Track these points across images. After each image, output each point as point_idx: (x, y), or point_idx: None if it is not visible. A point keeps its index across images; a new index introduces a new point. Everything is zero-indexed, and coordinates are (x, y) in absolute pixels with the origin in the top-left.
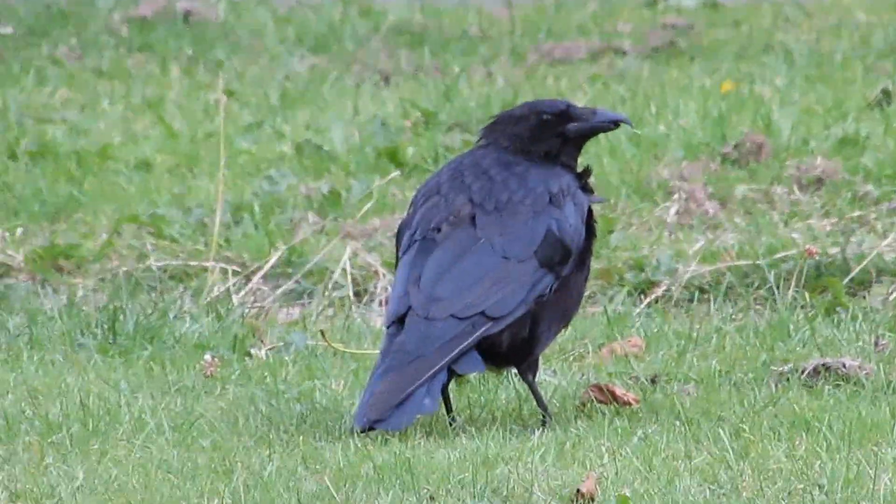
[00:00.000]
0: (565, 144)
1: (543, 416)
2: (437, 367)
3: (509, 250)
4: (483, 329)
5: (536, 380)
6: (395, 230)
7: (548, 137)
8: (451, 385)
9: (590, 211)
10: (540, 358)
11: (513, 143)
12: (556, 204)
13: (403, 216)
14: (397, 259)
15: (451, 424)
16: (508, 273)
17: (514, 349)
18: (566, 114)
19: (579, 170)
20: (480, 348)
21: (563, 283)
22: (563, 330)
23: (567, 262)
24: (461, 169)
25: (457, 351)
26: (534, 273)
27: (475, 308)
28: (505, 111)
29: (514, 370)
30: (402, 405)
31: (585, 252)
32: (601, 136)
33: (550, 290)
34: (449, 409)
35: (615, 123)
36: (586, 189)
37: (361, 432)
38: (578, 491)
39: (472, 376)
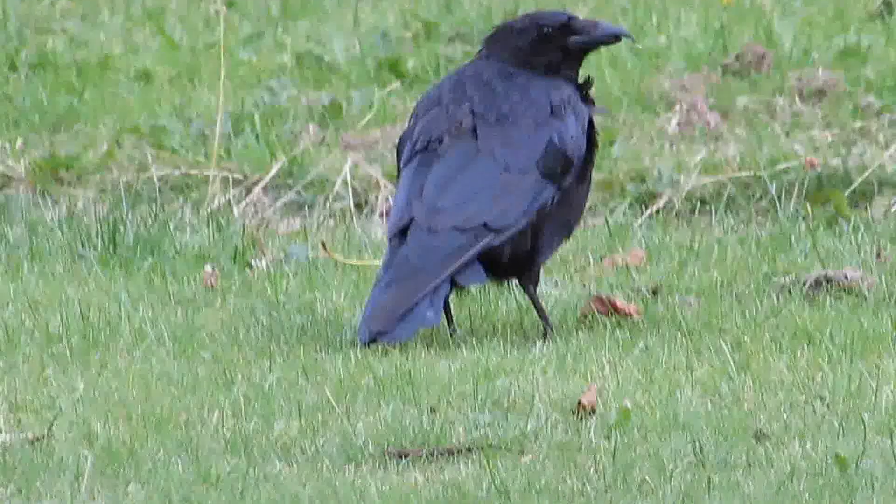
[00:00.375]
0: (566, 57)
1: (545, 328)
2: (440, 279)
3: (511, 162)
4: (485, 240)
5: (538, 291)
6: (396, 141)
7: (549, 50)
8: (452, 297)
9: (591, 122)
10: (541, 269)
11: (514, 56)
12: (557, 115)
13: (404, 127)
14: (398, 170)
15: (451, 336)
16: (510, 184)
17: (515, 260)
18: (567, 26)
19: (580, 81)
20: (482, 260)
21: (565, 194)
22: (564, 241)
23: (568, 173)
24: (462, 80)
25: (459, 262)
26: (535, 184)
27: (477, 219)
28: (506, 23)
29: (516, 281)
30: (405, 317)
31: (587, 163)
32: (602, 47)
33: (553, 201)
34: (450, 321)
35: (616, 37)
36: (587, 100)
37: (365, 345)
38: (580, 402)
39: (474, 288)
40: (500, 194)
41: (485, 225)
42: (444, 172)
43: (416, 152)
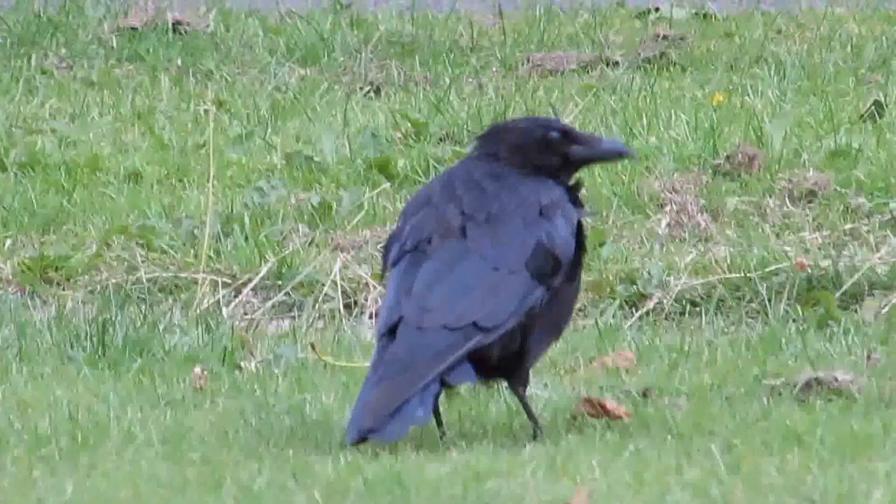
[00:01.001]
0: (565, 165)
1: (534, 430)
2: (430, 378)
3: (500, 261)
4: (475, 340)
5: (527, 393)
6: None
7: (550, 155)
8: (442, 398)
9: (580, 225)
10: (531, 371)
11: (510, 156)
12: (546, 216)
13: (394, 228)
14: (384, 271)
15: (441, 438)
16: (499, 284)
17: (504, 362)
18: (571, 135)
19: (571, 183)
20: (471, 360)
21: (555, 295)
22: (554, 343)
23: (558, 274)
24: (452, 180)
25: (449, 361)
26: (525, 284)
27: (467, 318)
28: (506, 123)
29: (505, 384)
30: (395, 415)
31: (576, 265)
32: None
33: (542, 302)
34: (439, 423)
35: (620, 155)
36: (577, 202)
37: (352, 444)
38: None
39: (464, 389)
40: (490, 293)
41: (475, 324)
42: (434, 271)
43: (405, 252)
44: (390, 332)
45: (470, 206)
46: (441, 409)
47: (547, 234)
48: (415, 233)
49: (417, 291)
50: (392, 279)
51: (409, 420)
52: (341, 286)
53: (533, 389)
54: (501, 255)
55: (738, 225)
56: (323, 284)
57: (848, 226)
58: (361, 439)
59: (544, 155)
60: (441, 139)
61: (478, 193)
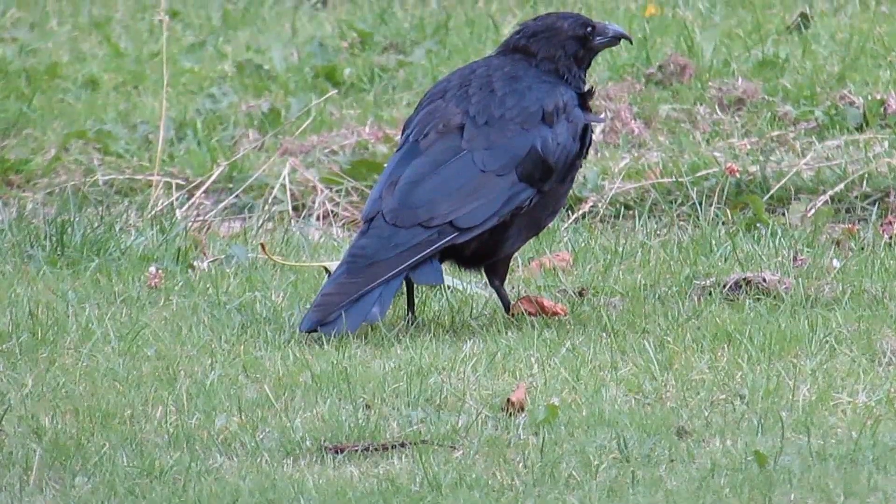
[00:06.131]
0: (586, 55)
1: (507, 318)
2: (394, 273)
3: (489, 164)
4: (449, 238)
5: (504, 284)
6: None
7: (580, 48)
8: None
9: (587, 129)
10: (509, 264)
11: (545, 52)
12: (548, 122)
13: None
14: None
15: (411, 323)
16: (485, 185)
17: (480, 255)
18: (591, 25)
19: (586, 89)
20: (444, 255)
21: (544, 196)
22: (533, 238)
23: (548, 179)
24: (471, 77)
25: (417, 257)
26: (511, 188)
27: (444, 218)
28: (548, 19)
29: (452, 281)
30: (350, 309)
31: (571, 167)
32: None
33: (530, 202)
34: (411, 306)
35: (624, 38)
36: (586, 108)
37: (304, 332)
38: (509, 400)
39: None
40: (473, 194)
41: (451, 223)
42: (421, 169)
43: (406, 142)
44: (369, 224)
45: (475, 108)
46: (414, 294)
47: (542, 141)
48: (420, 125)
49: (401, 188)
50: (384, 170)
51: (363, 316)
52: (290, 189)
53: (474, 289)
54: (491, 157)
55: (669, 131)
56: (272, 187)
57: (775, 132)
58: (313, 330)
59: (577, 48)
60: (385, 48)
61: (487, 95)
